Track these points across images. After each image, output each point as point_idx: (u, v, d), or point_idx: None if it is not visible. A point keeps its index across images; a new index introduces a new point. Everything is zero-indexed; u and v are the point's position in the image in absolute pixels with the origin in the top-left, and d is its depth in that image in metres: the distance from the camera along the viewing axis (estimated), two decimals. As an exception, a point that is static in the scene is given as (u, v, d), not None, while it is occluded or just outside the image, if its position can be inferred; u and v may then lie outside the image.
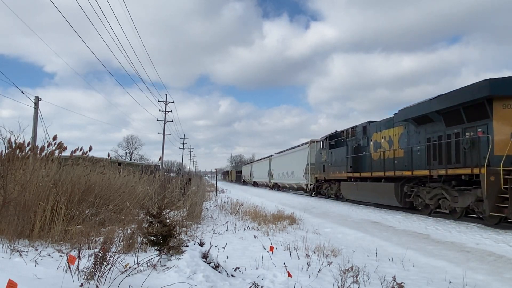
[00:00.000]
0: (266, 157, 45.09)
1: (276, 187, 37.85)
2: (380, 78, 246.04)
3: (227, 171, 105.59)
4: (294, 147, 32.46)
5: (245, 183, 62.06)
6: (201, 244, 4.84)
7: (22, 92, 13.86)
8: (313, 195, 24.41)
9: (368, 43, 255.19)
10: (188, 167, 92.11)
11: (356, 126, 18.04)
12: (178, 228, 6.74)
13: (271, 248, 6.12)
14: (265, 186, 44.38)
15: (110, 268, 3.65)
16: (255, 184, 51.24)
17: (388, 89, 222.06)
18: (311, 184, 24.49)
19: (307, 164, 25.27)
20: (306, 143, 27.21)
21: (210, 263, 4.49)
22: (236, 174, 77.41)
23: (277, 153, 40.24)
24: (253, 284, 4.11)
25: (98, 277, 3.54)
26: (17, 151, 7.17)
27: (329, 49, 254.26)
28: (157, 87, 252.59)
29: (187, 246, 4.60)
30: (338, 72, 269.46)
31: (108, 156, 11.44)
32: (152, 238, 4.49)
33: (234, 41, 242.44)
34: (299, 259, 5.91)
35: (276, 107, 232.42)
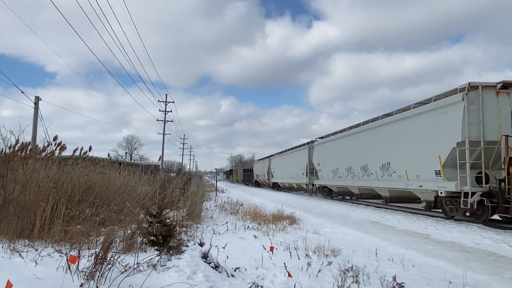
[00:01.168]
0: (301, 146, 27.77)
1: (325, 192, 22.50)
2: (382, 78, 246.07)
3: (231, 170, 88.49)
4: (394, 112, 14.26)
5: (258, 184, 47.66)
6: (201, 244, 4.84)
7: (22, 92, 13.88)
8: None
9: (371, 42, 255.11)
10: (188, 167, 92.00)
11: None
12: (178, 228, 6.74)
13: (271, 248, 6.12)
14: (295, 189, 30.43)
15: (110, 268, 3.66)
16: (275, 186, 37.15)
17: (390, 88, 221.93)
18: None
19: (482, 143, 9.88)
20: (471, 88, 10.11)
21: (210, 263, 4.49)
22: (244, 173, 62.10)
23: (322, 137, 22.80)
24: (253, 284, 4.11)
25: (98, 277, 3.55)
26: (19, 151, 7.17)
27: (331, 48, 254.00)
28: (157, 87, 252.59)
29: (187, 246, 4.61)
30: (340, 72, 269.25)
31: (108, 156, 11.46)
32: (152, 238, 4.49)
33: (236, 41, 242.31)
34: (299, 259, 5.91)
35: (277, 107, 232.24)
